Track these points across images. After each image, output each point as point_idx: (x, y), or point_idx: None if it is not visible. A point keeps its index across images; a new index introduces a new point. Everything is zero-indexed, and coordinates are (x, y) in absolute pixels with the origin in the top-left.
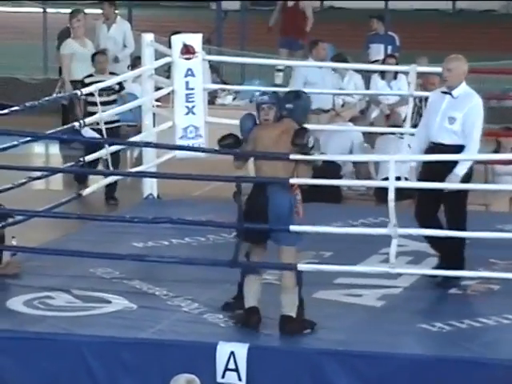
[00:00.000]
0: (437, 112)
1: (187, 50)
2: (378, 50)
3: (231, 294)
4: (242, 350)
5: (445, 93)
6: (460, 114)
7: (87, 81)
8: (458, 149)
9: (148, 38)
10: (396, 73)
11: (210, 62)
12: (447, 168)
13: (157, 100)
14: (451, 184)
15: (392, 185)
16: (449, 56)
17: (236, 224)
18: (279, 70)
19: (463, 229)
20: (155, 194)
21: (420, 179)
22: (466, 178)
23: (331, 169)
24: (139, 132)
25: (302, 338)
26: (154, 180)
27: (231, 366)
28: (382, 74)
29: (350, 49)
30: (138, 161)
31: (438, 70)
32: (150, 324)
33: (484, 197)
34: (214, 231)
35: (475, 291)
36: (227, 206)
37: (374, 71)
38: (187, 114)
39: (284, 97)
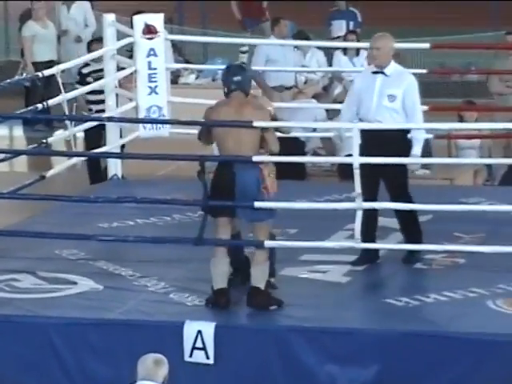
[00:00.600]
0: (371, 92)
1: (149, 30)
2: (339, 27)
3: (197, 272)
4: (208, 328)
5: (376, 72)
6: (399, 90)
7: (85, 71)
8: (401, 131)
9: (109, 18)
10: (358, 49)
11: (172, 41)
12: (388, 149)
13: (120, 80)
14: (419, 159)
15: (356, 160)
16: (375, 34)
17: (201, 202)
18: (243, 52)
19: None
20: (120, 175)
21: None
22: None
23: (295, 146)
24: (103, 112)
25: (269, 315)
26: (119, 161)
27: (199, 344)
28: (345, 50)
29: (312, 26)
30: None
31: (402, 45)
32: (116, 305)
33: (448, 171)
34: (180, 210)
35: (440, 265)
36: (192, 184)
37: (337, 48)
38: (150, 93)
39: (229, 72)
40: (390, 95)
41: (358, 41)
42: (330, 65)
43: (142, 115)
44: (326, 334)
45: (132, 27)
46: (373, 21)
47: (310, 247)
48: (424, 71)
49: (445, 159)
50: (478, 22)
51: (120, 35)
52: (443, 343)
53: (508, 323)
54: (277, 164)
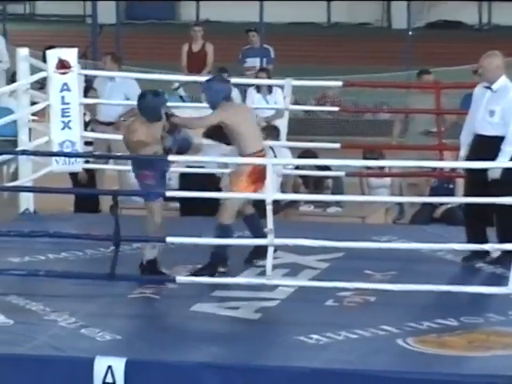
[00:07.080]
0: (479, 106)
1: (62, 65)
2: (253, 64)
3: (109, 307)
4: (119, 363)
5: (486, 87)
6: (498, 106)
7: None
8: (499, 139)
9: (23, 52)
10: (270, 86)
11: (85, 76)
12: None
13: (33, 115)
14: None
15: (270, 196)
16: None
17: (113, 237)
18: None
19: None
20: (32, 209)
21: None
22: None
23: (211, 181)
24: (15, 147)
25: (182, 351)
26: (31, 195)
27: (109, 380)
28: (258, 87)
29: (226, 62)
30: (14, 175)
31: (315, 83)
32: (26, 339)
33: (360, 209)
34: (92, 245)
35: (351, 303)
36: (104, 219)
37: (250, 85)
38: (63, 128)
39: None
40: (491, 110)
41: (270, 78)
42: (244, 102)
43: (54, 150)
44: (239, 370)
45: (45, 62)
46: (287, 58)
47: (221, 283)
48: (336, 109)
49: (357, 197)
50: (390, 61)
51: (34, 69)
52: (354, 382)
53: (418, 361)
54: (191, 200)
